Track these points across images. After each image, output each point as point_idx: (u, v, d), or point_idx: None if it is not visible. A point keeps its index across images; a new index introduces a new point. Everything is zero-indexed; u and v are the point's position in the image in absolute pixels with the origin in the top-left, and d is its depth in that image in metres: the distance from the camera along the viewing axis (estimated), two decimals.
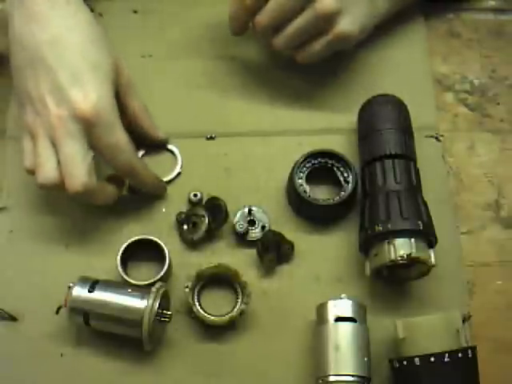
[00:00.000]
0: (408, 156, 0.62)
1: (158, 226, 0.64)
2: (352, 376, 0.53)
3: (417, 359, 0.53)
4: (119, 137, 0.58)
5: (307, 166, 0.64)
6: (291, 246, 0.62)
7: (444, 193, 0.66)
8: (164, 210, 0.65)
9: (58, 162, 0.56)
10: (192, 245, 0.64)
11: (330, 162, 0.64)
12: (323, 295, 0.58)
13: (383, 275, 0.61)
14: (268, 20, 0.62)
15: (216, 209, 0.63)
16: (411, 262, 0.57)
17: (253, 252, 0.63)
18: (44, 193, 0.65)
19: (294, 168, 0.64)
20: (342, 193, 0.63)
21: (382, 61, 0.73)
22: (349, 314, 0.56)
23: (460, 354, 0.52)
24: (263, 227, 0.63)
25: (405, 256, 0.56)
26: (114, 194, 0.62)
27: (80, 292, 0.56)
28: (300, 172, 0.64)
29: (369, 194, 0.61)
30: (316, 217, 0.65)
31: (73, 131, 0.56)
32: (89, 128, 0.56)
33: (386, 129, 0.62)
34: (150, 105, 0.66)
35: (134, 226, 0.64)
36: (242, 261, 0.63)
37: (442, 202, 0.65)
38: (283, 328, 0.61)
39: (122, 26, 0.73)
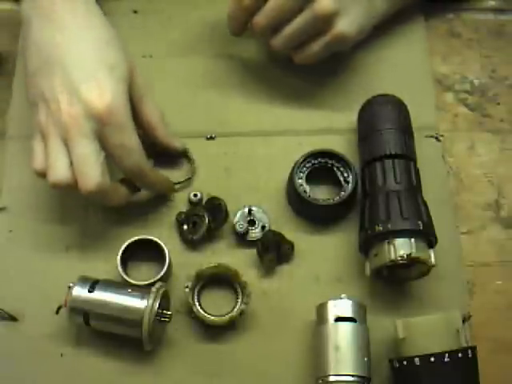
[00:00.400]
0: (408, 156, 0.62)
1: (158, 226, 0.64)
2: (352, 376, 0.53)
3: (417, 359, 0.53)
4: (130, 138, 0.57)
5: (307, 166, 0.64)
6: (291, 245, 0.62)
7: (444, 193, 0.66)
8: (164, 210, 0.65)
9: (70, 162, 0.56)
10: (192, 245, 0.63)
11: (330, 161, 0.64)
12: (323, 295, 0.58)
13: (383, 275, 0.61)
14: (266, 20, 0.62)
15: (216, 209, 0.63)
16: (411, 261, 0.57)
17: (253, 252, 0.63)
18: (44, 193, 0.65)
19: (294, 168, 0.64)
20: (342, 193, 0.63)
21: (382, 61, 0.73)
22: (349, 314, 0.56)
23: (460, 354, 0.52)
24: (263, 227, 0.63)
25: (405, 256, 0.56)
26: (127, 195, 0.61)
27: (80, 292, 0.56)
28: (300, 172, 0.64)
29: (369, 194, 0.61)
30: (316, 217, 0.65)
31: (86, 130, 0.55)
32: (101, 127, 0.56)
33: (385, 129, 0.62)
34: None
35: (134, 226, 0.64)
36: (241, 261, 0.63)
37: (441, 202, 0.65)
38: (283, 328, 0.61)
39: (122, 26, 0.73)
